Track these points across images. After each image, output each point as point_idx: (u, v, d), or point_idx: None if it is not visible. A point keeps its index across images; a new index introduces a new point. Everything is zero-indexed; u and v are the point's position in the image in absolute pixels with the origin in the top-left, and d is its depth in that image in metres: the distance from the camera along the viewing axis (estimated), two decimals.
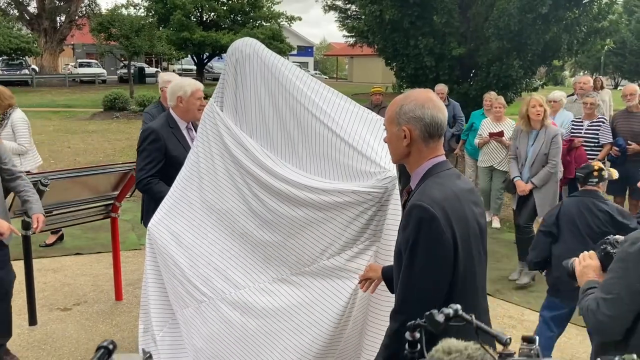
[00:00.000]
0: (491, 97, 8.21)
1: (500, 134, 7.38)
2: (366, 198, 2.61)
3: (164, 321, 3.32)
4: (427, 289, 1.91)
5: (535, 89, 13.11)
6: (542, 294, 5.56)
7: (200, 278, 3.14)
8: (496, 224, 7.75)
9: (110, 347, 1.33)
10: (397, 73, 14.20)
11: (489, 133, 7.50)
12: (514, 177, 5.91)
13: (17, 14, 38.75)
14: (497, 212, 7.85)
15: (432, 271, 1.90)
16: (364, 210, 2.63)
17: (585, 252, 2.38)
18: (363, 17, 16.18)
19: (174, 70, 48.40)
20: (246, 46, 3.12)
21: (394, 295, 2.87)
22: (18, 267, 4.49)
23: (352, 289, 2.83)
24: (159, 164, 3.85)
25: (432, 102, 2.00)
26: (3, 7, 38.88)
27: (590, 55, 33.19)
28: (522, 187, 5.80)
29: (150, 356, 1.44)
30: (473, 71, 12.90)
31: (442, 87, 9.01)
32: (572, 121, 7.14)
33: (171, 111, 4.05)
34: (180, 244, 3.22)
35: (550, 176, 5.72)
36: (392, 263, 2.85)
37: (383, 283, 2.85)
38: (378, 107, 9.25)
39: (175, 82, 4.16)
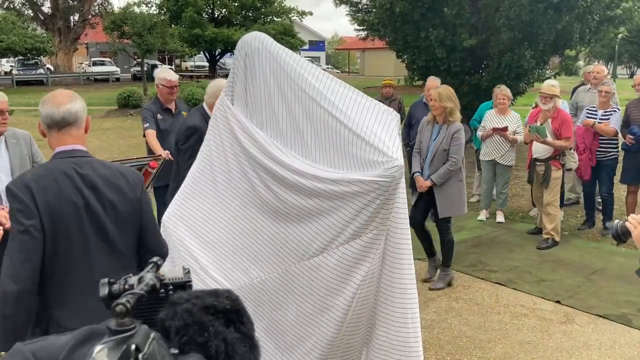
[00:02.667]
0: (499, 90, 8.03)
1: (504, 129, 7.28)
2: (374, 187, 2.66)
3: None
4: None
5: (548, 79, 13.01)
6: (553, 284, 5.61)
7: (216, 268, 3.22)
8: (500, 218, 7.62)
9: (160, 262, 1.46)
10: (408, 65, 14.18)
11: (493, 128, 7.42)
12: (414, 173, 5.62)
13: (32, 14, 39.23)
14: (502, 207, 7.70)
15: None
16: (372, 199, 2.68)
17: (636, 215, 2.40)
18: (374, 10, 16.16)
19: (186, 68, 48.66)
20: (255, 40, 3.18)
21: (406, 285, 2.94)
22: None
23: (361, 277, 2.89)
24: None
25: (49, 99, 2.44)
26: (17, 7, 39.33)
27: (605, 45, 32.80)
28: (421, 183, 5.48)
29: (189, 272, 1.57)
30: (484, 62, 12.84)
31: (434, 81, 8.63)
32: (586, 109, 7.13)
33: (206, 108, 4.33)
34: (194, 235, 3.30)
35: (451, 174, 5.35)
36: (401, 252, 2.92)
37: (390, 276, 2.92)
38: (389, 100, 9.28)
39: (216, 82, 4.46)
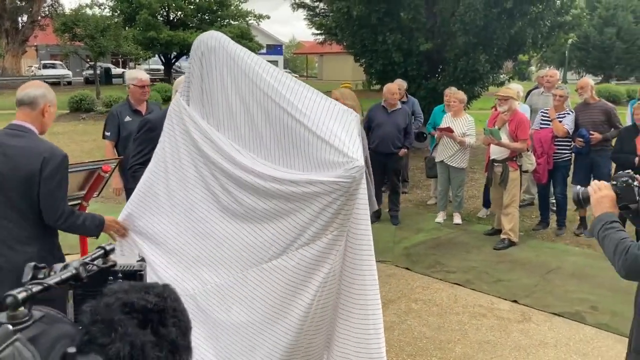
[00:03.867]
0: (451, 92, 8.26)
1: (448, 129, 7.38)
2: (334, 188, 2.61)
3: None
4: None
5: (502, 84, 13.30)
6: (510, 283, 5.69)
7: (167, 274, 3.11)
8: (457, 220, 7.67)
9: (108, 248, 1.45)
10: (366, 69, 14.26)
11: (437, 128, 7.56)
12: None
13: None
14: (459, 209, 7.76)
15: None
16: (333, 200, 2.64)
17: (598, 182, 2.41)
18: (331, 14, 16.20)
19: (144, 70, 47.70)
20: (211, 39, 3.10)
21: (367, 287, 2.91)
22: None
23: (321, 279, 2.83)
24: (149, 152, 3.73)
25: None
26: None
27: (556, 50, 33.88)
28: None
29: (144, 259, 1.54)
30: (441, 66, 13.02)
31: (400, 83, 8.76)
32: (541, 112, 7.29)
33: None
34: (147, 239, 3.20)
35: None
36: (362, 252, 2.89)
37: (350, 279, 2.88)
38: None
39: (180, 78, 4.21)
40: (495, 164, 6.80)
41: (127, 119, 5.40)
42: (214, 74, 3.05)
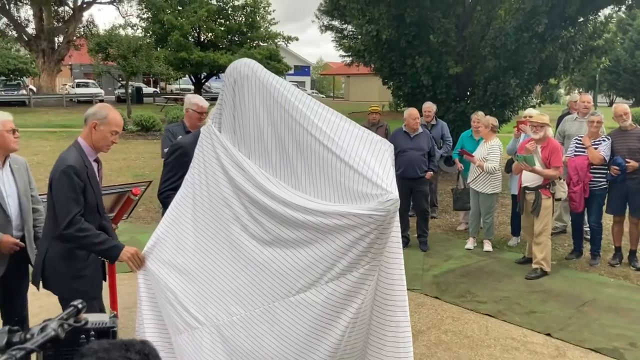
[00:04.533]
0: (478, 117, 8.22)
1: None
2: (367, 221, 2.54)
3: (161, 348, 3.23)
4: None
5: (533, 107, 13.11)
6: (543, 315, 5.51)
7: (193, 304, 3.07)
8: (487, 247, 7.53)
9: (80, 306, 1.46)
10: (394, 92, 14.22)
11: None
12: None
13: (16, 35, 38.93)
14: (489, 236, 7.60)
15: None
16: (365, 233, 2.57)
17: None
18: (359, 37, 16.26)
19: (171, 91, 48.59)
20: (244, 66, 3.09)
21: (400, 321, 2.82)
22: None
23: (352, 315, 2.76)
24: (180, 178, 3.76)
25: None
26: (2, 28, 39.07)
27: (586, 74, 33.43)
28: None
29: (116, 315, 1.52)
30: (470, 90, 12.92)
31: (429, 106, 8.90)
32: (575, 139, 7.13)
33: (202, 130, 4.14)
34: (173, 268, 3.16)
35: None
36: (395, 287, 2.81)
37: (382, 313, 2.80)
38: (375, 126, 9.24)
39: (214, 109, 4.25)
40: (527, 192, 6.65)
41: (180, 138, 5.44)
42: (246, 102, 3.03)
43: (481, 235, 7.73)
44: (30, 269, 3.87)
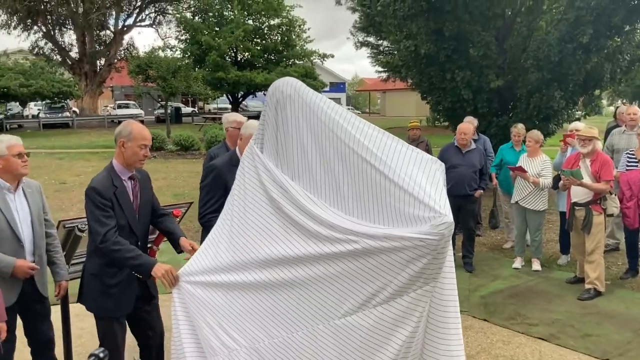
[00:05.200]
0: (518, 130, 8.04)
1: (520, 169, 7.06)
2: (418, 245, 2.40)
3: None
4: None
5: (578, 120, 12.71)
6: (600, 339, 5.22)
7: (232, 325, 2.99)
8: (536, 266, 7.24)
9: (101, 355, 1.54)
10: (433, 106, 14.00)
11: (509, 167, 7.26)
12: None
13: (60, 59, 40.24)
14: (537, 254, 7.31)
15: None
16: (416, 257, 2.43)
17: None
18: (396, 52, 16.16)
19: (209, 110, 49.33)
20: (287, 86, 3.00)
21: (452, 348, 2.66)
22: (55, 312, 4.41)
23: (402, 341, 2.62)
24: (220, 199, 3.84)
25: None
26: (47, 53, 40.44)
27: (630, 84, 32.45)
28: None
29: None
30: (512, 103, 12.62)
31: (471, 120, 8.43)
32: (626, 154, 6.83)
33: (237, 149, 4.12)
34: (210, 289, 3.09)
35: None
36: (448, 314, 2.65)
37: (434, 341, 2.64)
38: (416, 142, 9.07)
39: (246, 122, 4.22)
40: (577, 208, 6.37)
41: None
42: (289, 122, 2.94)
43: (528, 254, 7.45)
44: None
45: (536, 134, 7.38)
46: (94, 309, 3.64)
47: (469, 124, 7.50)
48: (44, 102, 37.14)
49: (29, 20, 38.94)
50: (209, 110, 50.45)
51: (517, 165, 7.16)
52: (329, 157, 2.76)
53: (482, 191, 7.36)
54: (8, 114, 36.13)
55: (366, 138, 2.69)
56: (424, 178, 2.53)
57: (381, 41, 31.95)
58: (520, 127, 8.18)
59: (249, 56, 37.66)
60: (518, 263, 7.38)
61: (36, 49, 40.33)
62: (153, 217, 3.76)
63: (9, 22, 38.67)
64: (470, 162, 7.13)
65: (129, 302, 3.63)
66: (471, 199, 7.16)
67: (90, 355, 1.36)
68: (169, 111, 29.63)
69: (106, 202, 3.36)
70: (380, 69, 34.83)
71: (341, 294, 2.67)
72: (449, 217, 2.38)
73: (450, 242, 2.50)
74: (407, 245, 2.41)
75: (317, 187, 2.81)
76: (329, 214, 2.71)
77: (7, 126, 33.60)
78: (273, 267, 2.88)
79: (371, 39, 33.34)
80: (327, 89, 42.39)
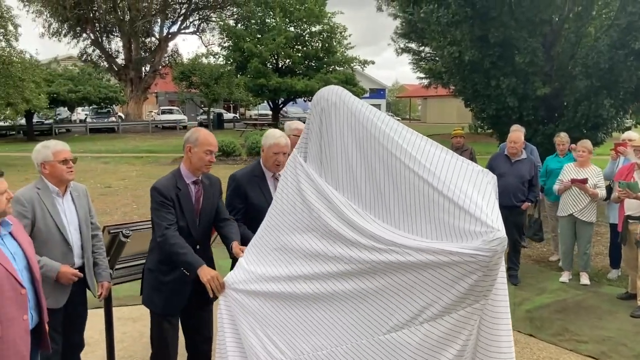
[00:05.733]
0: (561, 139, 7.80)
1: (584, 181, 6.79)
2: (468, 260, 2.31)
3: None
4: None
5: (628, 128, 12.29)
6: None
7: (277, 335, 2.96)
8: (585, 280, 6.99)
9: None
10: (477, 114, 13.75)
11: (571, 179, 6.95)
12: None
13: (107, 66, 41.35)
14: (586, 268, 7.05)
15: None
16: (467, 273, 2.33)
17: None
18: (439, 58, 15.98)
19: (250, 116, 49.83)
20: (332, 94, 2.96)
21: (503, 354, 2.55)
22: (98, 315, 4.47)
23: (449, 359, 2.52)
24: (240, 210, 4.00)
25: None
26: (95, 59, 41.63)
27: None
28: None
29: None
30: (559, 111, 12.28)
31: (518, 128, 8.24)
32: None
33: (261, 161, 4.14)
34: (259, 299, 3.06)
35: None
36: (498, 332, 2.55)
37: (492, 335, 2.54)
38: (460, 150, 8.91)
39: (265, 132, 4.24)
40: (631, 221, 6.11)
41: None
42: (333, 130, 2.89)
43: (576, 267, 7.19)
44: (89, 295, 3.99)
45: (589, 143, 7.14)
46: (146, 302, 3.77)
47: (519, 132, 7.29)
48: (91, 107, 38.23)
49: (79, 28, 40.17)
50: (250, 116, 50.98)
51: (573, 177, 6.92)
52: (374, 167, 2.70)
53: (529, 204, 7.12)
54: (57, 118, 37.24)
55: (414, 148, 2.62)
56: (475, 190, 2.44)
57: (423, 47, 31.70)
58: (563, 135, 8.01)
59: (289, 63, 37.92)
60: (565, 277, 7.13)
61: (84, 56, 41.56)
62: (216, 222, 3.82)
63: (60, 29, 39.98)
64: (518, 172, 6.92)
65: (178, 302, 3.68)
66: (518, 211, 6.94)
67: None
68: (211, 117, 30.04)
69: (167, 200, 3.50)
70: (422, 75, 34.55)
71: (387, 309, 2.61)
72: (502, 233, 2.28)
73: (503, 258, 2.40)
74: (457, 261, 2.32)
75: (362, 198, 2.75)
76: (374, 226, 2.65)
77: (56, 130, 34.71)
78: (318, 279, 2.84)
79: (413, 45, 33.14)
80: (367, 95, 42.30)
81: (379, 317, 2.63)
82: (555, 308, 6.26)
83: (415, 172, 2.54)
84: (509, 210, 6.82)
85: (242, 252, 3.31)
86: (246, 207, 3.97)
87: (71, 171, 3.72)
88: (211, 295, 3.25)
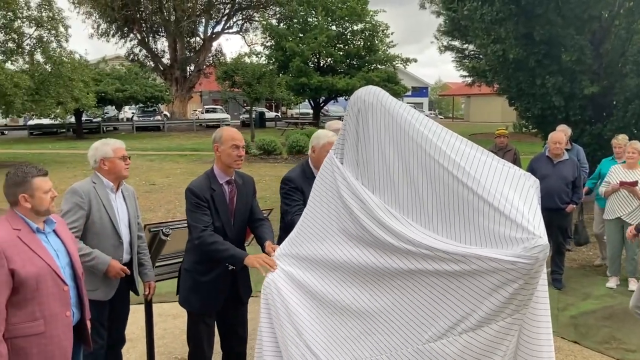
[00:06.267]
0: (619, 141, 7.46)
1: (634, 183, 6.54)
2: (508, 268, 2.24)
3: None
4: None
5: None
6: None
7: (316, 342, 2.92)
8: (633, 286, 6.67)
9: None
10: (521, 113, 13.42)
11: (620, 181, 6.69)
12: None
13: (153, 65, 42.24)
14: (634, 274, 6.78)
15: None
16: (507, 282, 2.26)
17: None
18: (482, 56, 15.69)
19: (292, 115, 50.07)
20: (369, 95, 2.92)
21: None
22: (139, 312, 4.55)
23: None
24: (300, 204, 3.92)
25: None
26: (141, 59, 42.59)
27: None
28: None
29: None
30: (607, 111, 11.88)
31: (564, 129, 7.95)
32: None
33: (309, 161, 4.12)
34: (297, 302, 3.03)
35: None
36: (539, 342, 2.47)
37: (533, 345, 2.46)
38: (503, 151, 8.72)
39: (315, 133, 4.22)
40: None
41: None
42: (370, 133, 2.85)
43: (624, 273, 6.94)
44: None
45: (639, 144, 6.87)
46: (182, 302, 3.81)
47: (561, 132, 7.08)
48: (137, 106, 39.13)
49: (126, 29, 41.18)
50: (291, 115, 51.22)
51: (622, 179, 6.68)
52: (412, 170, 2.65)
53: (574, 206, 6.92)
54: (105, 117, 38.25)
55: (452, 151, 2.56)
56: (517, 195, 2.36)
57: (467, 45, 31.22)
58: (622, 137, 7.57)
59: (331, 61, 37.90)
60: (613, 283, 6.89)
61: (131, 56, 42.58)
62: (250, 222, 3.84)
63: (108, 30, 41.09)
64: (561, 173, 6.73)
65: (215, 302, 3.71)
66: (562, 213, 6.74)
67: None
68: (253, 116, 30.31)
69: (201, 202, 3.54)
70: (465, 73, 34.03)
71: (427, 317, 2.55)
72: (544, 240, 2.20)
73: (544, 266, 2.32)
74: (497, 268, 2.26)
75: (400, 202, 2.70)
76: (411, 230, 2.60)
77: (104, 128, 35.66)
78: (354, 288, 2.80)
79: (456, 43, 32.70)
80: (409, 93, 41.92)
81: (418, 325, 2.58)
82: (601, 315, 6.05)
83: (455, 175, 2.49)
84: (554, 213, 6.64)
85: (274, 251, 3.31)
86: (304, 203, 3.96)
87: (128, 167, 3.85)
88: (264, 274, 3.21)
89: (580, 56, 10.93)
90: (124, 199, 3.91)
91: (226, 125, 39.42)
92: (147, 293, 4.09)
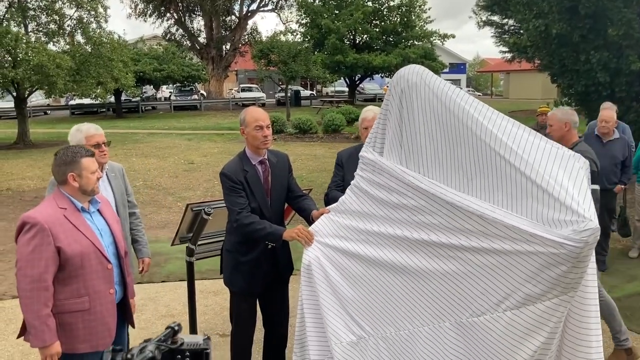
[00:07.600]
0: None
1: None
2: (557, 250, 2.20)
3: (322, 356, 3.12)
4: None
5: None
6: None
7: (360, 313, 2.97)
8: None
9: (176, 327, 1.66)
10: (564, 90, 13.06)
11: None
12: None
13: (189, 45, 42.52)
14: None
15: None
16: (554, 263, 2.23)
17: None
18: (523, 31, 15.25)
19: (327, 93, 49.85)
20: (413, 74, 2.86)
21: (592, 354, 2.44)
22: (182, 288, 4.65)
23: (532, 351, 2.43)
24: (342, 181, 4.08)
25: None
26: (178, 38, 42.90)
27: None
28: None
29: (209, 338, 1.75)
30: None
31: (610, 106, 7.74)
32: None
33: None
34: (339, 275, 3.06)
35: None
36: (588, 326, 2.43)
37: (580, 350, 2.43)
38: (545, 129, 8.50)
39: (365, 109, 4.31)
40: None
41: None
42: (415, 114, 2.80)
43: None
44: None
45: None
46: (227, 281, 3.88)
47: (611, 110, 6.83)
48: (174, 85, 39.55)
49: (163, 8, 41.46)
50: (327, 93, 51.02)
51: None
52: (459, 153, 2.61)
53: (622, 187, 6.71)
54: (143, 96, 38.82)
55: (500, 130, 2.51)
56: (566, 177, 2.31)
57: (506, 20, 30.36)
58: None
59: (367, 38, 37.48)
60: None
61: (168, 35, 42.92)
62: (289, 200, 3.86)
63: (146, 10, 41.45)
64: (611, 153, 6.51)
65: (257, 282, 3.76)
66: (610, 194, 6.56)
67: (167, 327, 1.61)
68: (288, 94, 30.30)
69: (236, 185, 3.56)
70: (505, 49, 33.17)
71: (471, 292, 2.55)
72: (595, 223, 2.14)
73: (593, 250, 2.26)
74: (544, 250, 2.22)
75: (449, 184, 2.66)
76: (464, 200, 2.56)
77: (143, 108, 36.21)
78: (402, 260, 2.80)
79: (495, 18, 31.79)
80: (446, 70, 41.19)
81: (462, 300, 2.59)
82: None
83: (503, 156, 2.44)
84: (601, 194, 6.45)
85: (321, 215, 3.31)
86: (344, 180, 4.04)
87: (104, 154, 3.70)
88: (303, 244, 3.25)
89: (627, 30, 10.52)
90: (109, 182, 3.86)
91: (261, 104, 39.66)
92: (140, 269, 4.11)
